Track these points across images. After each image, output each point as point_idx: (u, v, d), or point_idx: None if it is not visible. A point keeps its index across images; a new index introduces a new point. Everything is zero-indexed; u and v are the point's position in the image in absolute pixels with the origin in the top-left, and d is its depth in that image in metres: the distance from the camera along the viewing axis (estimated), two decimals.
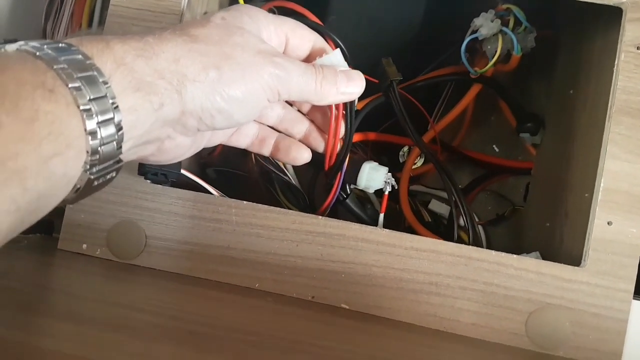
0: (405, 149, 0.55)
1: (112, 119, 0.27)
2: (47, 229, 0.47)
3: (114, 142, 0.27)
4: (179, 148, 0.34)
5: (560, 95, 0.54)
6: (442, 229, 0.54)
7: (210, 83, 0.31)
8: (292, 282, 0.40)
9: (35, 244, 0.45)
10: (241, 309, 0.39)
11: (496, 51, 0.48)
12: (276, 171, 0.47)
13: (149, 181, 0.41)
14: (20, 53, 0.26)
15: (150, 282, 0.41)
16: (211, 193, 0.42)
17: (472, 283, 0.39)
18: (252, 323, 0.36)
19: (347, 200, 0.46)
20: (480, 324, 0.39)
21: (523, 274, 0.39)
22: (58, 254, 0.42)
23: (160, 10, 0.43)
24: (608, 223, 0.39)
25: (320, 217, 0.41)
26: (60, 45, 0.26)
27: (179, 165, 0.41)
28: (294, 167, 0.48)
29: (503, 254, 0.39)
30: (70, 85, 0.25)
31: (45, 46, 0.26)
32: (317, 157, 0.42)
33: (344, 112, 0.41)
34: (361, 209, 0.47)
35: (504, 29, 0.48)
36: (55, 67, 0.25)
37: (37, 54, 0.25)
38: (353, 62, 0.40)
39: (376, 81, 0.45)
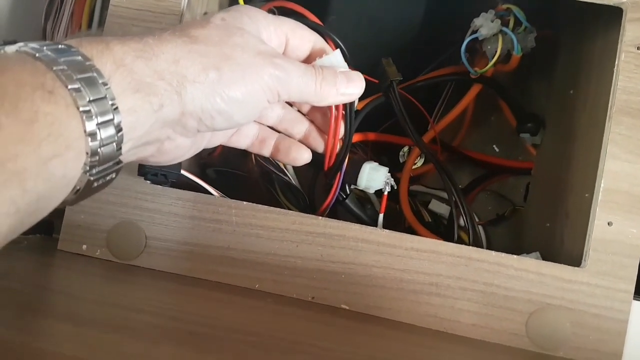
0: (405, 149, 0.55)
1: (112, 120, 0.27)
2: (47, 230, 0.47)
3: (114, 144, 0.27)
4: (179, 149, 0.34)
5: (561, 96, 0.54)
6: (442, 229, 0.54)
7: (210, 84, 0.31)
8: (292, 283, 0.40)
9: (35, 244, 0.45)
10: (241, 309, 0.39)
11: (496, 51, 0.48)
12: (276, 171, 0.47)
13: (148, 182, 0.41)
14: (19, 54, 0.26)
15: (150, 283, 0.41)
16: (211, 193, 0.42)
17: (473, 284, 0.39)
18: (252, 324, 0.36)
19: (347, 201, 0.46)
20: (481, 325, 0.39)
21: (523, 275, 0.39)
22: (58, 255, 0.42)
23: (160, 10, 0.43)
24: (608, 223, 0.39)
25: (320, 217, 0.41)
26: (59, 46, 0.26)
27: (179, 165, 0.41)
28: (294, 167, 0.48)
29: (503, 254, 0.39)
30: (69, 87, 0.25)
31: (44, 47, 0.26)
32: (317, 158, 0.42)
33: (344, 112, 0.41)
34: (361, 209, 0.47)
35: (504, 29, 0.48)
36: (54, 68, 0.25)
37: (37, 55, 0.25)
38: (353, 62, 0.40)
39: (376, 81, 0.45)
